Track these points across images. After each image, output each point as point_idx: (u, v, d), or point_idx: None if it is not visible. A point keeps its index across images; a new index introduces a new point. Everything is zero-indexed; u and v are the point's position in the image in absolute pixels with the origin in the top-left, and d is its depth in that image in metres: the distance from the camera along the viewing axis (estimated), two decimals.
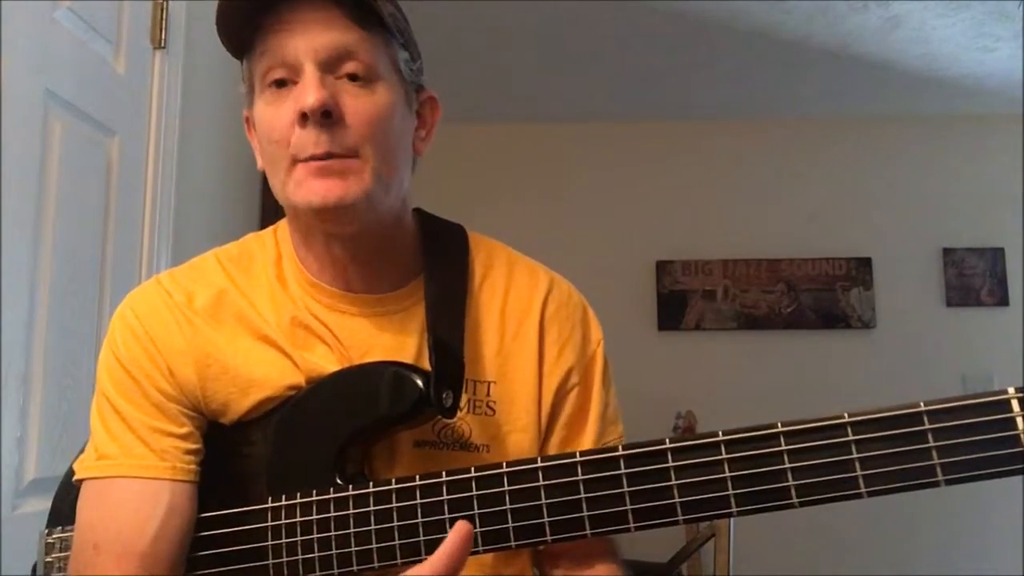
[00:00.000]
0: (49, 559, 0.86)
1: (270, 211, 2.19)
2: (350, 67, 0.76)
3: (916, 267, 3.70)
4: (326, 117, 0.74)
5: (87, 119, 1.50)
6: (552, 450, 0.86)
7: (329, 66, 0.75)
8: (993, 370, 3.51)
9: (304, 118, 0.74)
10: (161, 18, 1.71)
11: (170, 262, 1.69)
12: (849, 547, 3.46)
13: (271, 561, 0.77)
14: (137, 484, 0.77)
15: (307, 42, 0.75)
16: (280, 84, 0.76)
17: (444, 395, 0.76)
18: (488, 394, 0.83)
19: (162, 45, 1.72)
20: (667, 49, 3.13)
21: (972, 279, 3.67)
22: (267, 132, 0.77)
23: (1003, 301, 3.65)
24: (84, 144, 1.49)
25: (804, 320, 3.70)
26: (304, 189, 0.75)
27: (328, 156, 0.74)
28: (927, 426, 0.64)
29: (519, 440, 0.83)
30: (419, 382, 0.76)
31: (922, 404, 0.64)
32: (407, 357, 0.81)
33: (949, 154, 3.74)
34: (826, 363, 3.64)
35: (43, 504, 1.29)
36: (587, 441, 0.86)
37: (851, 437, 0.65)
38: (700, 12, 2.81)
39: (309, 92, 0.73)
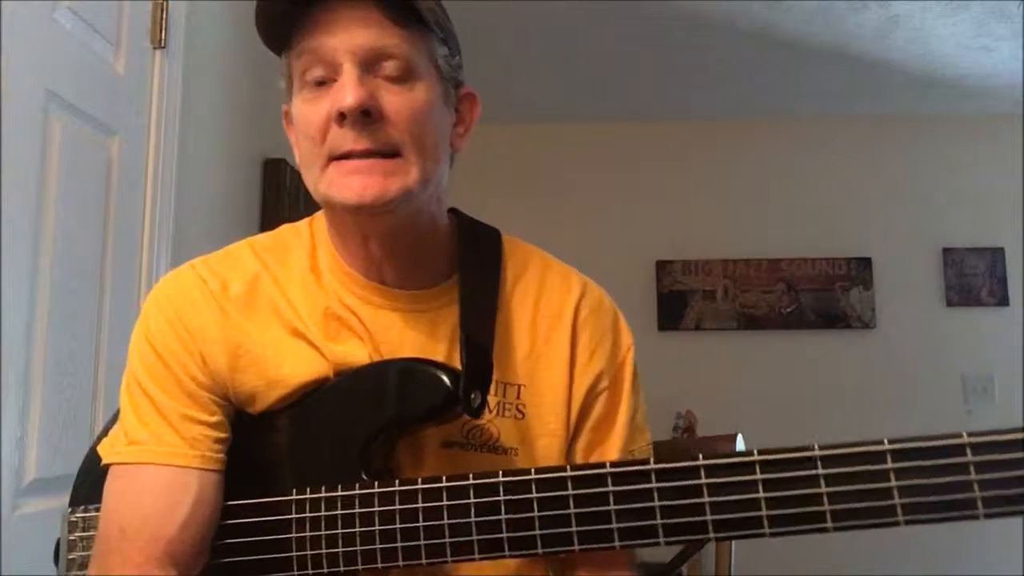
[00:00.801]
0: (72, 538, 0.86)
1: (271, 211, 2.19)
2: (389, 66, 0.76)
3: (916, 267, 3.70)
4: (365, 116, 0.74)
5: (87, 119, 1.50)
6: (579, 453, 0.86)
7: (368, 65, 0.75)
8: (993, 370, 3.51)
9: (342, 117, 0.74)
10: (161, 18, 1.71)
11: (170, 262, 1.69)
12: (850, 547, 3.45)
13: (295, 553, 0.77)
14: (166, 472, 0.77)
15: (346, 41, 0.75)
16: (319, 82, 0.77)
17: (472, 395, 0.76)
18: (518, 397, 0.83)
19: (162, 45, 1.72)
20: (667, 49, 3.13)
21: (972, 279, 3.66)
22: (304, 129, 0.78)
23: (1003, 301, 3.64)
24: (84, 144, 1.49)
25: (804, 320, 3.70)
26: (340, 185, 0.75)
27: (368, 153, 0.75)
28: (969, 458, 0.63)
29: (548, 444, 0.83)
30: (447, 380, 0.77)
31: (965, 435, 0.63)
32: (437, 357, 0.81)
33: (949, 154, 3.74)
34: (826, 363, 3.63)
35: (43, 504, 1.30)
36: (614, 446, 0.86)
37: (890, 465, 0.64)
38: (699, 12, 2.81)
39: (347, 92, 0.73)
